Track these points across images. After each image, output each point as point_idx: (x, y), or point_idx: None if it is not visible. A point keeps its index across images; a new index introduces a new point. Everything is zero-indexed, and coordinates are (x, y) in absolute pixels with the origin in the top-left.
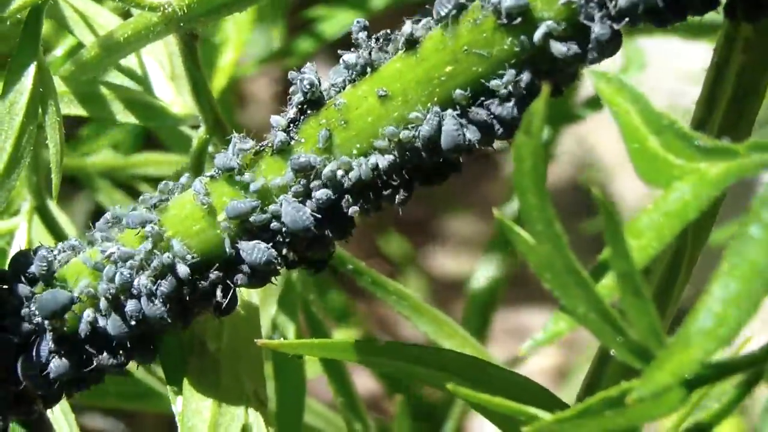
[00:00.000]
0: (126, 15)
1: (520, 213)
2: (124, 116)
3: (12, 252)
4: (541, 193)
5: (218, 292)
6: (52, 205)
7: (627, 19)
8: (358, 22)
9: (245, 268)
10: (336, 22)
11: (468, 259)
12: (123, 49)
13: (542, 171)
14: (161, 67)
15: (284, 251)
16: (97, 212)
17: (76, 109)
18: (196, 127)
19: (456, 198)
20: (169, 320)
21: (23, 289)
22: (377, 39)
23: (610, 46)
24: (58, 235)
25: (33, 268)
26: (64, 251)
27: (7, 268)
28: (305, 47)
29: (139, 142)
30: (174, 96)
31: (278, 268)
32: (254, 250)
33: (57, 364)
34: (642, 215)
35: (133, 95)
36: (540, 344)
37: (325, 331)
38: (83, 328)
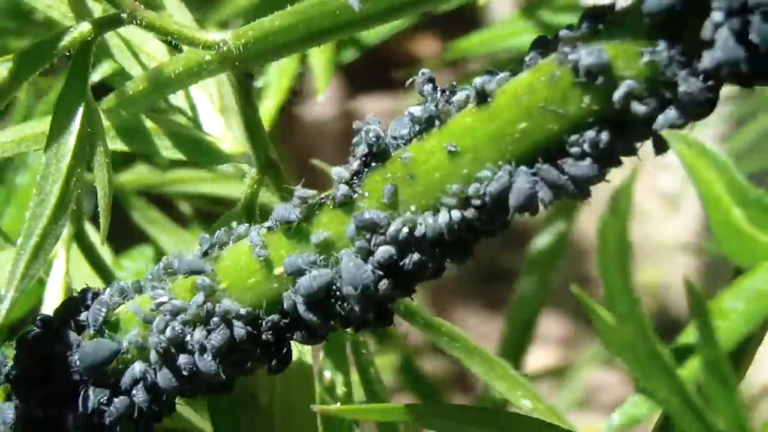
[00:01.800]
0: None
1: (604, 293)
2: (172, 153)
3: (50, 282)
4: (625, 274)
5: (272, 348)
6: (90, 231)
7: (710, 80)
8: (422, 73)
9: (302, 325)
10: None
11: None
12: (172, 85)
13: (627, 251)
14: (211, 101)
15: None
16: (132, 231)
17: (119, 145)
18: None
19: None
20: (222, 375)
21: (72, 336)
22: (443, 91)
23: (695, 106)
24: (95, 262)
25: (84, 315)
26: (113, 296)
27: (53, 313)
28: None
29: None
30: (223, 130)
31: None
32: (310, 315)
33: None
34: (727, 295)
35: (181, 130)
36: (616, 428)
37: (378, 382)
38: (126, 382)
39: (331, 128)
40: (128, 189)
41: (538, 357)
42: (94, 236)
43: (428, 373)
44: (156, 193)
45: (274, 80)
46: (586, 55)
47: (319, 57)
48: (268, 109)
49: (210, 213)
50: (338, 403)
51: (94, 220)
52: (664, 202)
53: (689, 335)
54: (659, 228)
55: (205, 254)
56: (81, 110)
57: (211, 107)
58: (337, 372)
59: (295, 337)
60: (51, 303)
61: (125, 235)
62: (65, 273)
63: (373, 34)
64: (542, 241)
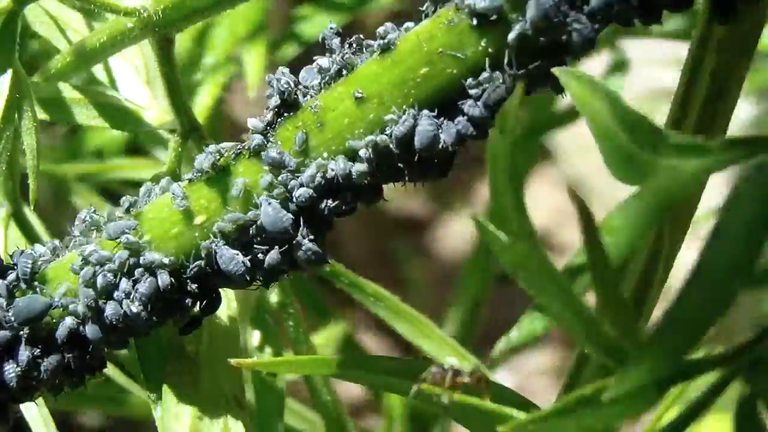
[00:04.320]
0: (89, 13)
1: (494, 213)
2: (97, 121)
3: None
4: (516, 193)
5: (197, 296)
6: (29, 212)
7: (599, 18)
8: (331, 28)
9: (222, 275)
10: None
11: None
12: (97, 56)
13: (518, 170)
14: (137, 72)
15: (260, 256)
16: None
17: (42, 115)
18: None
19: (455, 198)
20: (149, 323)
21: (2, 289)
22: (350, 44)
23: (583, 45)
24: (34, 241)
25: (12, 272)
26: (45, 254)
27: None
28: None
29: (122, 147)
30: (149, 100)
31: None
32: (231, 263)
33: (45, 367)
34: (615, 212)
35: (106, 99)
36: (515, 344)
37: (305, 337)
38: (61, 334)
39: None
40: (72, 177)
41: (539, 357)
42: (35, 222)
43: (369, 350)
44: (100, 184)
45: (209, 77)
46: (481, 0)
47: (253, 53)
48: (203, 105)
49: None
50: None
51: (38, 209)
52: None
53: (580, 254)
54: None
55: (128, 211)
56: (9, 76)
57: (137, 79)
58: (266, 334)
59: (216, 285)
60: None
61: (70, 219)
62: (3, 250)
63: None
64: None
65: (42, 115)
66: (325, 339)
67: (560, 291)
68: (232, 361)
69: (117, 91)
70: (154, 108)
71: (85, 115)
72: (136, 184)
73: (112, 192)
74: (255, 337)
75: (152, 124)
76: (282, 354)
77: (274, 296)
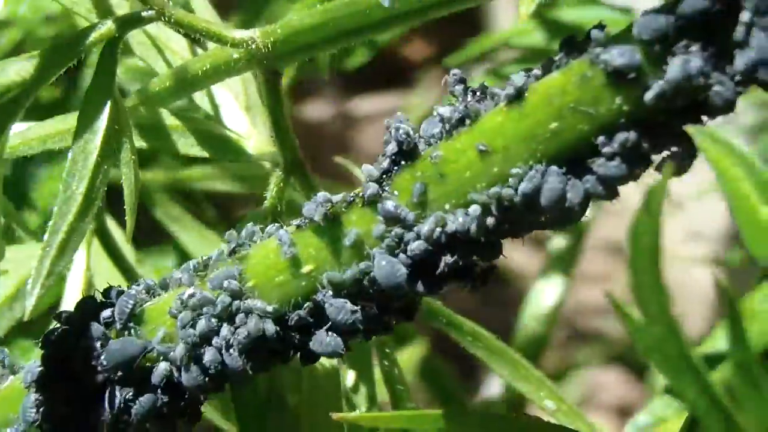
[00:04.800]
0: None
1: (633, 291)
2: (196, 150)
3: (71, 277)
4: (656, 273)
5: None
6: (111, 226)
7: (742, 81)
8: (454, 74)
9: (330, 326)
10: None
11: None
12: (198, 83)
13: (659, 251)
14: (236, 98)
15: (370, 309)
16: (153, 226)
17: (140, 142)
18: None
19: None
20: (249, 371)
21: (97, 333)
22: (474, 92)
23: (723, 107)
24: (116, 258)
25: (107, 312)
26: (140, 292)
27: (75, 309)
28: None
29: None
30: (249, 128)
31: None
32: (340, 313)
33: (136, 411)
34: (757, 296)
35: (206, 127)
36: (643, 428)
37: (401, 382)
38: (156, 379)
39: (329, 128)
40: (151, 185)
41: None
42: (115, 231)
43: (446, 370)
44: (179, 189)
45: None
46: (618, 56)
47: None
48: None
49: (231, 208)
50: (362, 407)
51: (115, 214)
52: (666, 201)
53: (717, 337)
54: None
55: (232, 252)
56: (108, 107)
57: (236, 104)
58: (361, 373)
59: (321, 336)
60: (71, 298)
61: (146, 229)
62: (86, 268)
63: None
64: (560, 241)
65: (139, 143)
66: (405, 361)
67: (697, 378)
68: (335, 415)
69: (218, 118)
70: (253, 137)
71: (184, 143)
72: (216, 195)
73: (195, 202)
74: (350, 376)
75: (252, 154)
76: (376, 395)
77: None
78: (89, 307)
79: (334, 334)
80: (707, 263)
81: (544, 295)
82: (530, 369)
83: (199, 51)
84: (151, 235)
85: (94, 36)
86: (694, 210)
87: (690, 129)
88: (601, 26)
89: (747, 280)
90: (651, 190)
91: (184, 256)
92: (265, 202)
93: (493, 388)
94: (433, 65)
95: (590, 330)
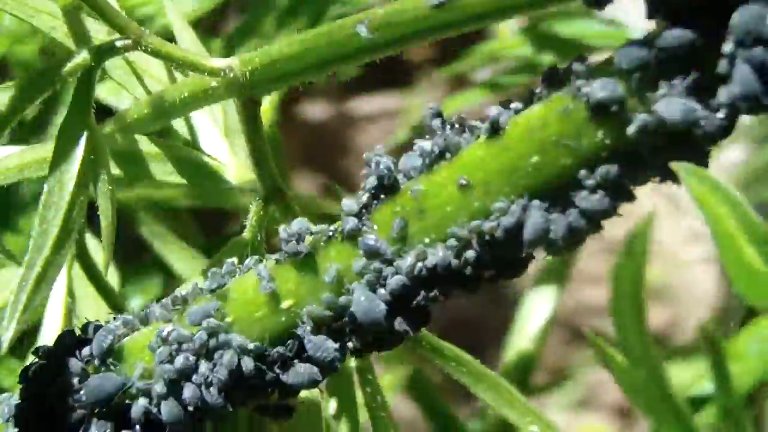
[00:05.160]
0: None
1: (616, 333)
2: (176, 178)
3: (51, 302)
4: (639, 317)
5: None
6: (93, 245)
7: (727, 114)
8: (430, 108)
9: (310, 361)
10: None
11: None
12: (176, 111)
13: (641, 294)
14: (215, 124)
15: (350, 344)
16: (137, 247)
17: (116, 171)
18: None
19: None
20: (229, 408)
21: (75, 369)
22: (452, 125)
23: (708, 138)
24: (98, 283)
25: (87, 349)
26: (119, 328)
27: (54, 344)
28: None
29: None
30: (228, 155)
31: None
32: (320, 350)
33: None
34: (742, 338)
35: (185, 154)
36: None
37: (383, 408)
38: (135, 415)
39: (329, 128)
40: (135, 204)
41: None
42: (98, 251)
43: (435, 385)
44: (162, 207)
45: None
46: (600, 89)
47: None
48: (265, 108)
49: (217, 222)
50: None
51: (96, 233)
52: (666, 202)
53: (703, 379)
54: (660, 227)
55: (213, 291)
56: (84, 138)
57: (215, 130)
58: (342, 401)
59: (302, 369)
60: (51, 323)
61: (131, 247)
62: (66, 293)
63: None
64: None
65: (116, 170)
66: (392, 381)
67: (680, 421)
68: None
69: (196, 143)
70: (233, 164)
71: (162, 170)
72: (198, 213)
73: (179, 219)
74: (332, 405)
75: (232, 182)
76: (358, 424)
77: (351, 361)
78: (67, 341)
79: (309, 364)
80: (707, 263)
81: (534, 311)
82: (516, 394)
83: (180, 76)
84: (136, 253)
85: (71, 65)
86: (694, 210)
87: (675, 166)
88: (582, 58)
89: None
90: (633, 234)
91: (169, 275)
92: (245, 231)
93: None
94: (433, 66)
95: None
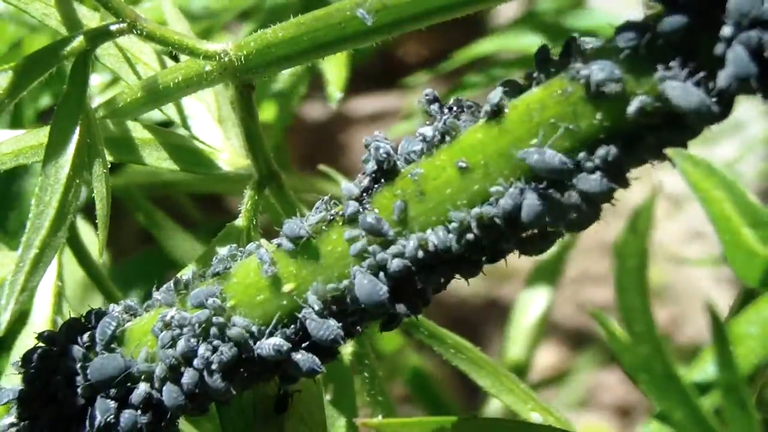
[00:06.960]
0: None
1: (620, 311)
2: (169, 164)
3: (41, 287)
4: (642, 294)
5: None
6: (84, 230)
7: (724, 96)
8: (426, 94)
9: (310, 342)
10: None
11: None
12: (169, 95)
13: (645, 271)
14: (208, 110)
15: (351, 327)
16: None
17: (109, 156)
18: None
19: None
20: (231, 392)
21: (78, 354)
22: (450, 108)
23: (708, 121)
24: (89, 269)
25: (87, 335)
26: (121, 313)
27: (59, 331)
28: None
29: None
30: (223, 141)
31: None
32: (321, 330)
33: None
34: (742, 320)
35: (178, 140)
36: None
37: (382, 393)
38: (136, 399)
39: (329, 128)
40: (132, 189)
41: (539, 357)
42: (92, 237)
43: (436, 377)
44: (161, 192)
45: (288, 87)
46: (598, 71)
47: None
48: (281, 116)
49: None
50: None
51: (88, 216)
52: (667, 202)
53: (706, 359)
54: (662, 227)
55: (215, 275)
56: (80, 122)
57: (209, 117)
58: (339, 386)
59: (302, 355)
60: (41, 308)
61: (130, 232)
62: (56, 276)
63: None
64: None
65: (109, 157)
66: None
67: (684, 400)
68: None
69: (189, 129)
70: (227, 150)
71: (155, 156)
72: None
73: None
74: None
75: (226, 168)
76: (357, 409)
77: (348, 346)
78: (72, 328)
79: (310, 353)
80: (707, 263)
81: (529, 308)
82: (515, 381)
83: (172, 64)
84: (127, 235)
85: (68, 49)
86: (694, 210)
87: (670, 152)
88: (574, 40)
89: None
90: (637, 210)
91: (168, 259)
92: (239, 217)
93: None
94: (432, 65)
95: (590, 330)
